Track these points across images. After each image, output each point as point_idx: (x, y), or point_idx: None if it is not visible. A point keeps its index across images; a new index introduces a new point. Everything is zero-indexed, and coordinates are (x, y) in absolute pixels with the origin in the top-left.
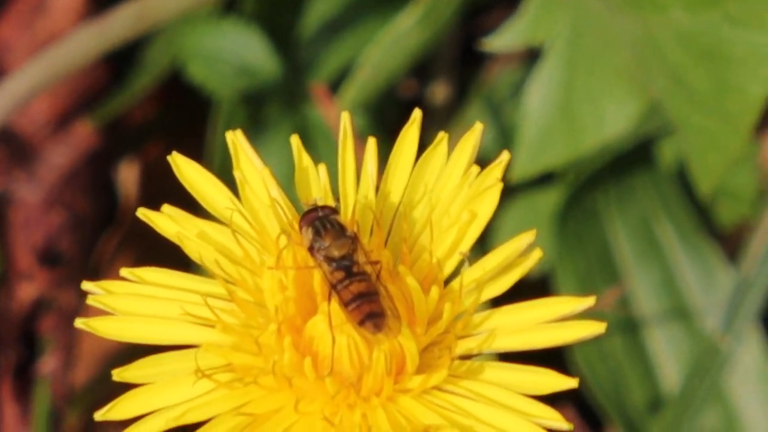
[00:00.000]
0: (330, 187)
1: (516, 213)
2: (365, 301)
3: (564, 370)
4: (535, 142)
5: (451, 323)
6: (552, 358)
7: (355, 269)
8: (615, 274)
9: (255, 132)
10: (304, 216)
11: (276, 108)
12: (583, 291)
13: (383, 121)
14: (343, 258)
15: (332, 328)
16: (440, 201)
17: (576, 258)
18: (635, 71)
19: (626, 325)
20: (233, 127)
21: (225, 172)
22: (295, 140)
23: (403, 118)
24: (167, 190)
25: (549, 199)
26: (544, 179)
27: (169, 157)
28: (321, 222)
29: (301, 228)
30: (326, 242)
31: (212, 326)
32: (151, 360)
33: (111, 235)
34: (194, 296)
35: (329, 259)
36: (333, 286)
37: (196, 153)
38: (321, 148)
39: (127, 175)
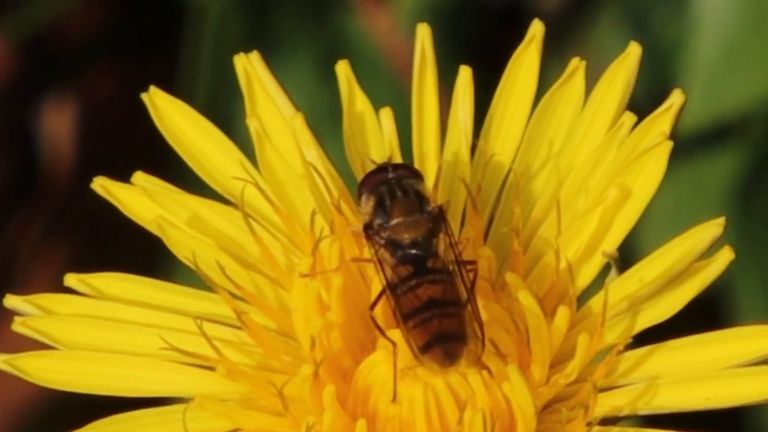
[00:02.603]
0: (398, 145)
1: (674, 188)
2: (437, 314)
3: None
4: (715, 70)
5: (587, 367)
6: (722, 422)
7: (430, 264)
8: None
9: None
10: (366, 177)
11: (291, 15)
12: None
13: (467, 39)
14: (414, 244)
15: (397, 373)
16: (574, 169)
17: (766, 259)
18: None
19: None
20: (226, 45)
21: (214, 117)
22: (343, 68)
23: (498, 33)
24: (122, 145)
25: (723, 168)
26: (717, 136)
27: (143, 95)
28: (389, 187)
29: (360, 195)
30: (394, 217)
31: (211, 368)
32: (113, 423)
33: (30, 215)
34: (182, 320)
35: (394, 245)
36: (391, 288)
37: (166, 84)
38: (365, 80)
39: (57, 122)
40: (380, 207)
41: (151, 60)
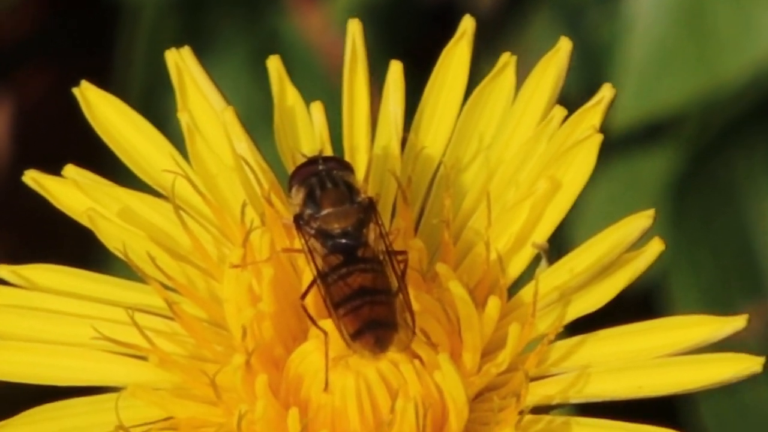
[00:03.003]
0: (329, 139)
1: (609, 184)
2: (367, 302)
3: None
4: (647, 69)
5: (519, 356)
6: (657, 411)
7: (360, 253)
8: (761, 279)
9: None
10: (297, 170)
11: (225, 14)
12: (710, 306)
13: (399, 37)
14: (345, 234)
15: (329, 362)
16: (504, 162)
17: (701, 255)
18: None
19: None
20: (161, 44)
21: (148, 112)
22: (274, 63)
23: (430, 32)
24: (57, 142)
25: (656, 164)
26: (650, 133)
27: (75, 90)
28: (319, 179)
29: (290, 187)
30: (324, 208)
31: (143, 358)
32: (46, 411)
33: None
34: (114, 310)
35: (324, 235)
36: (322, 277)
37: (100, 83)
38: (298, 79)
39: None
40: (310, 198)
41: (85, 58)
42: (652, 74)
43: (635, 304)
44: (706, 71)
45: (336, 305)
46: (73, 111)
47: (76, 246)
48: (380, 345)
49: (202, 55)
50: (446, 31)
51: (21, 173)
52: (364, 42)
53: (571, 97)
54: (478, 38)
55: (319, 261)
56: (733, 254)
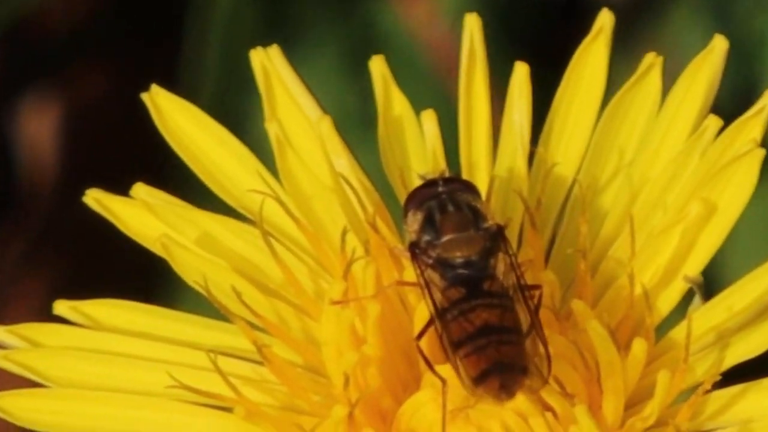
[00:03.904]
0: (443, 153)
1: (764, 203)
2: (493, 341)
3: None
4: None
5: (669, 408)
6: None
7: (486, 286)
8: None
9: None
10: (414, 192)
11: (314, 3)
12: None
13: (522, 32)
14: (468, 264)
15: (446, 415)
16: (649, 181)
17: None
18: None
19: None
20: (238, 37)
21: (224, 119)
22: (378, 65)
23: (560, 28)
24: (115, 154)
25: None
26: None
27: (144, 95)
28: (439, 202)
29: (406, 212)
30: (444, 233)
31: (227, 409)
32: None
33: (9, 234)
34: (192, 354)
35: (444, 265)
36: (440, 313)
37: (165, 84)
38: (401, 80)
39: (38, 125)
40: (429, 223)
41: (147, 53)
42: None
43: None
44: None
45: (456, 345)
46: (134, 115)
47: (139, 276)
48: (506, 391)
49: (286, 50)
50: (576, 25)
51: (72, 189)
52: (484, 40)
53: (722, 100)
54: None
55: (437, 295)
56: None
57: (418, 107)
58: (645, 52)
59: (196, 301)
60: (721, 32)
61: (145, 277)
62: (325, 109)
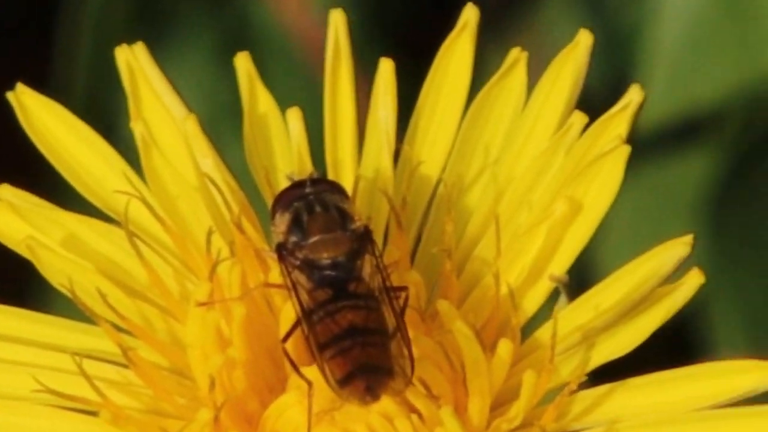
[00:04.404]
0: (308, 152)
1: (636, 195)
2: (358, 342)
3: None
4: (680, 57)
5: (535, 409)
6: None
7: (352, 287)
8: None
9: (147, 43)
10: (282, 194)
11: None
12: (758, 338)
13: (391, 22)
14: (335, 265)
15: (312, 417)
16: (514, 179)
17: (745, 277)
18: None
19: None
20: (109, 33)
21: (94, 120)
22: (242, 62)
23: (429, 18)
24: None
25: (692, 171)
26: (684, 134)
27: (9, 94)
28: (307, 203)
29: (274, 213)
30: (311, 235)
31: (93, 413)
32: None
33: None
34: (58, 357)
35: (310, 266)
36: (306, 315)
37: (34, 82)
38: (274, 72)
39: None
40: (296, 224)
41: (15, 50)
42: (686, 64)
43: (667, 338)
44: (750, 60)
45: (322, 347)
46: (2, 115)
47: (10, 280)
48: (371, 393)
49: (159, 44)
50: (447, 17)
51: None
52: (349, 34)
53: (591, 93)
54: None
55: (303, 296)
56: None
57: (291, 101)
58: (515, 44)
59: (69, 304)
60: (594, 24)
61: (15, 281)
62: (191, 108)
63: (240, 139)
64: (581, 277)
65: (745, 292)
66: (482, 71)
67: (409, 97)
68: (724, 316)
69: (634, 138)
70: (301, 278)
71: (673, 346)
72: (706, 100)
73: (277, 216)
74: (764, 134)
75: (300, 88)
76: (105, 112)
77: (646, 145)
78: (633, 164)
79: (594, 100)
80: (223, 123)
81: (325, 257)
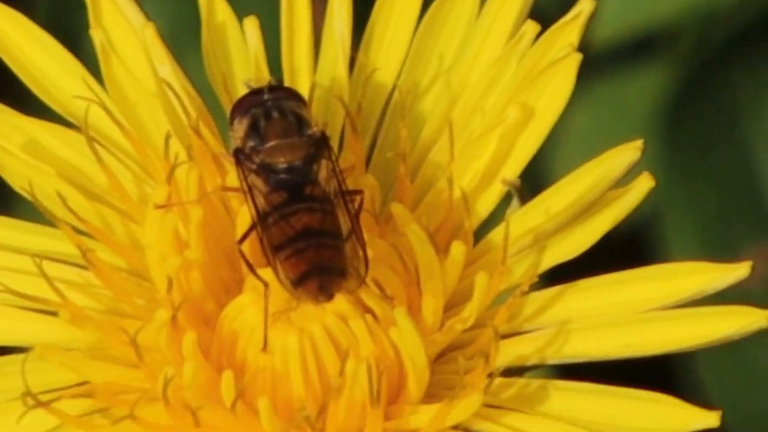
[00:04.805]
0: (265, 60)
1: (590, 110)
2: (312, 244)
3: (675, 394)
4: None
5: (487, 310)
6: (647, 372)
7: (308, 191)
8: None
9: None
10: (241, 100)
11: None
12: (709, 248)
13: None
14: (291, 169)
15: (268, 317)
16: (468, 86)
17: (698, 189)
18: None
19: None
20: None
21: (56, 29)
22: None
23: None
24: None
25: (646, 86)
26: (638, 49)
27: None
28: (265, 109)
29: (232, 119)
30: (268, 139)
31: (53, 313)
32: None
33: None
34: (18, 258)
35: (267, 170)
36: (262, 218)
37: None
38: None
39: None
40: (254, 129)
41: None
42: None
43: (622, 247)
44: None
45: (276, 248)
46: None
47: None
48: (325, 292)
49: None
50: None
51: None
52: None
53: (543, 6)
54: None
55: (259, 199)
56: (735, 188)
57: (247, 9)
58: None
59: (30, 207)
60: None
61: None
62: (150, 17)
63: (202, 54)
64: (536, 191)
65: (698, 201)
66: None
67: (361, 10)
68: (677, 225)
69: (589, 53)
70: (257, 182)
71: (627, 256)
72: (662, 14)
73: (236, 122)
74: (719, 48)
75: None
76: (67, 25)
77: (602, 61)
78: (588, 79)
79: (546, 15)
80: (186, 38)
81: (281, 161)
